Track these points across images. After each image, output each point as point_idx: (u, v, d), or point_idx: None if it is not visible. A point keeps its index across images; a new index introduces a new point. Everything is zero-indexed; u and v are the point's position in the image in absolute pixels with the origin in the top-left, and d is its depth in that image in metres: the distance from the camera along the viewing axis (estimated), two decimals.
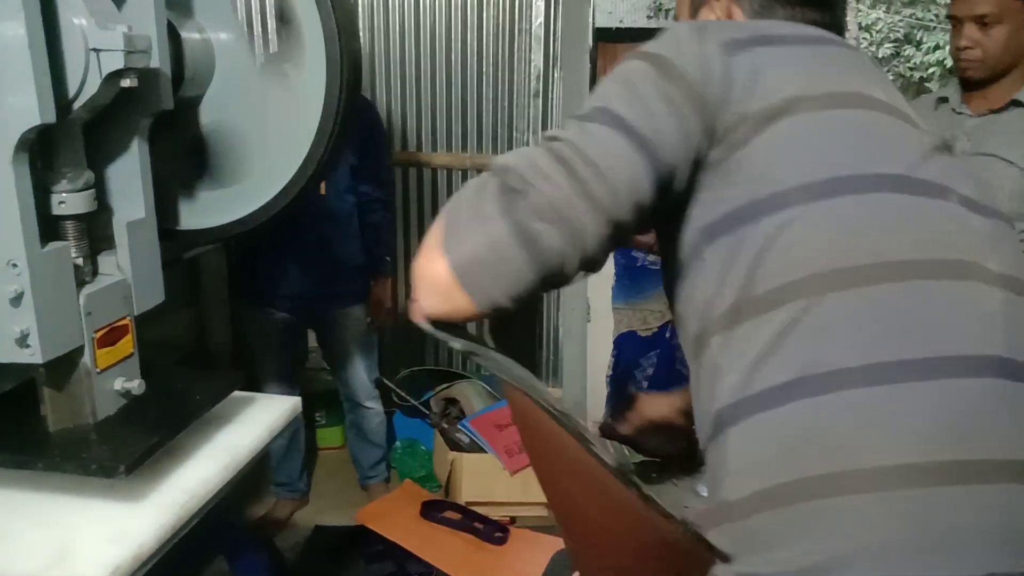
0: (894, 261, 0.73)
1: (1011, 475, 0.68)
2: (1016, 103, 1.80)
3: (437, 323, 0.78)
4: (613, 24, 3.12)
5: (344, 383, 2.89)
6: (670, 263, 0.86)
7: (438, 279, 0.75)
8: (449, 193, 3.42)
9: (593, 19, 3.01)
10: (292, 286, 2.60)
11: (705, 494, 0.94)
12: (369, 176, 2.67)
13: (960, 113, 1.89)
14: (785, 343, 0.73)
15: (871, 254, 0.73)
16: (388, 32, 3.23)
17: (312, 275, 2.59)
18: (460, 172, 3.39)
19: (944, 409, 0.69)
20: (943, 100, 1.96)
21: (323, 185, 2.49)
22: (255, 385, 2.70)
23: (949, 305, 0.73)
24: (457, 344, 0.79)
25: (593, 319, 3.13)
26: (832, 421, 0.70)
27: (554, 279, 0.76)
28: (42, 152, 1.13)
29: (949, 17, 1.90)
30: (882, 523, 0.68)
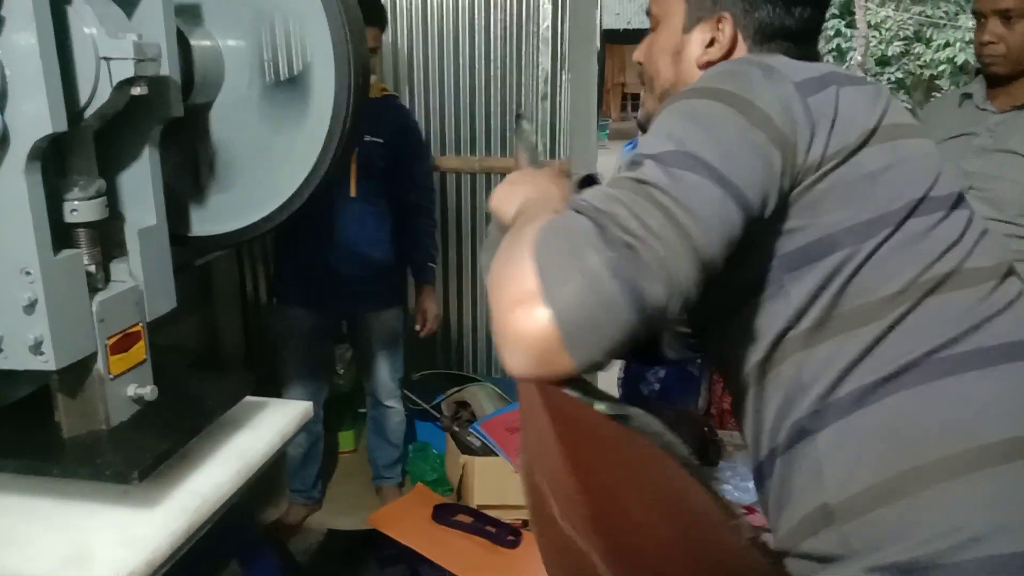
0: (970, 268, 0.83)
1: None
2: None
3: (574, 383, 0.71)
4: (620, 25, 3.13)
5: (368, 380, 2.91)
6: (725, 296, 0.85)
7: (538, 335, 0.67)
8: (458, 197, 3.42)
9: (600, 21, 3.01)
10: (321, 288, 2.60)
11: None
12: (404, 181, 2.67)
13: (983, 109, 1.88)
14: (877, 349, 0.79)
15: (949, 263, 0.82)
16: (395, 36, 3.24)
17: (342, 277, 2.59)
18: (469, 176, 3.39)
19: None
20: (967, 96, 1.95)
21: (352, 187, 2.50)
22: (280, 387, 2.71)
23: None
24: (603, 407, 0.72)
25: None
26: (935, 407, 0.76)
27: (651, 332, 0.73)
28: (54, 160, 1.14)
29: (974, 12, 1.89)
30: (1006, 497, 0.72)
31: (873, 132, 0.84)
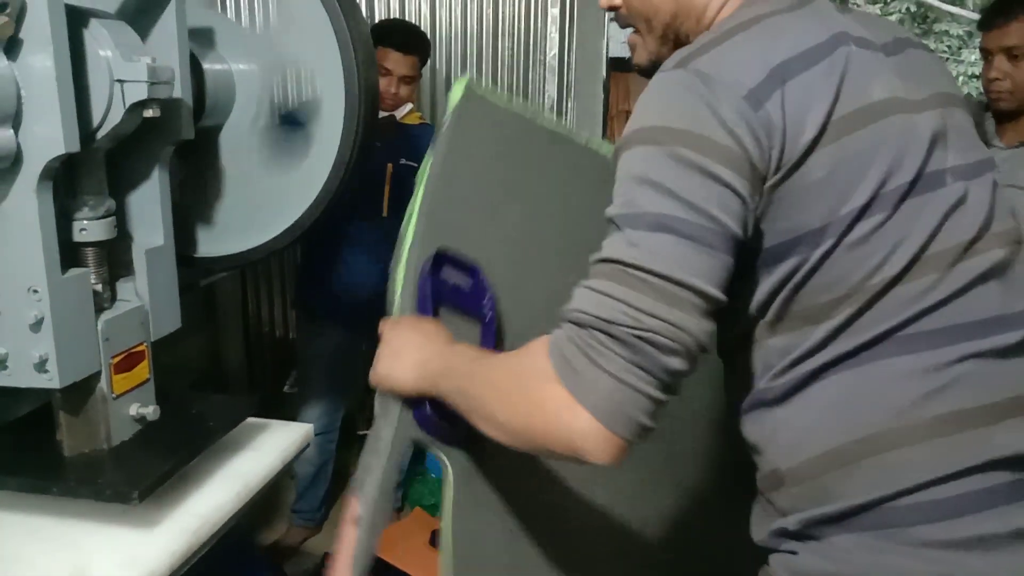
0: (929, 255, 0.82)
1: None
2: None
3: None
4: (627, 54, 3.15)
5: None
6: None
7: (585, 431, 0.74)
8: None
9: (607, 49, 3.04)
10: (343, 301, 2.61)
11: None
12: None
13: (992, 145, 1.91)
14: (831, 341, 0.83)
15: (900, 260, 0.81)
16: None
17: (365, 294, 2.60)
18: None
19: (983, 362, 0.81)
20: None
21: (385, 207, 2.52)
22: (300, 401, 2.71)
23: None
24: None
25: None
26: (874, 386, 0.82)
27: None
28: (65, 180, 1.15)
29: (981, 49, 1.93)
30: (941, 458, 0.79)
31: (821, 133, 0.79)
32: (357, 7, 1.40)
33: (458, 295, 1.08)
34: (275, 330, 3.39)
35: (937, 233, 0.82)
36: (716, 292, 0.75)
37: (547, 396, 0.75)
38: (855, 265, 0.81)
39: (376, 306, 2.65)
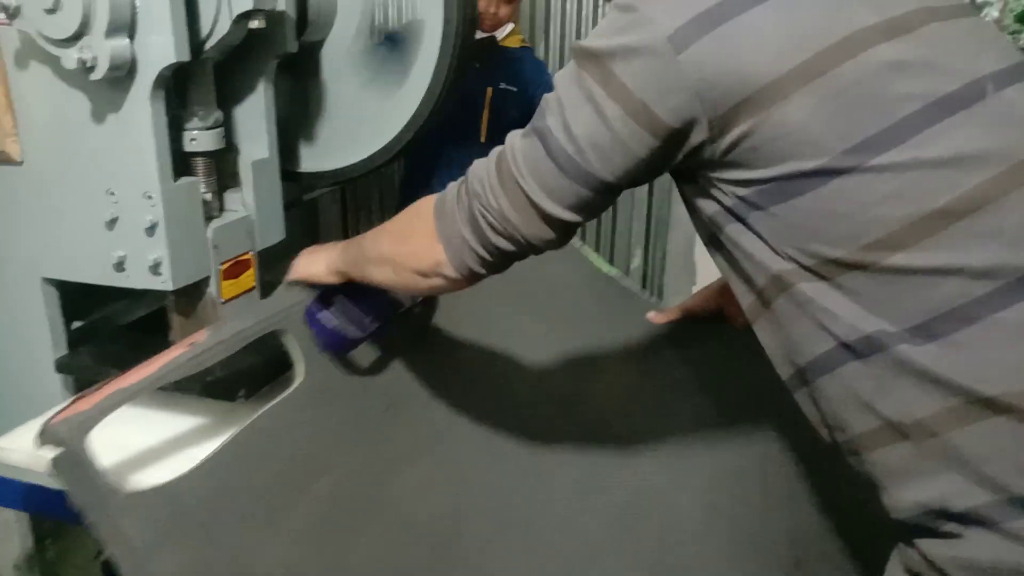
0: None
1: None
2: None
3: None
4: None
5: None
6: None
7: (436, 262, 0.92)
8: None
9: None
10: None
11: None
12: None
13: None
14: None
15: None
16: None
17: None
18: None
19: None
20: None
21: (483, 132, 2.52)
22: None
23: None
24: None
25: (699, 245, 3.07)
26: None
27: None
28: (176, 91, 1.19)
29: None
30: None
31: (786, 78, 0.72)
32: None
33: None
34: None
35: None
36: (556, 210, 0.83)
37: (422, 226, 0.92)
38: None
39: None
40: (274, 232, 1.36)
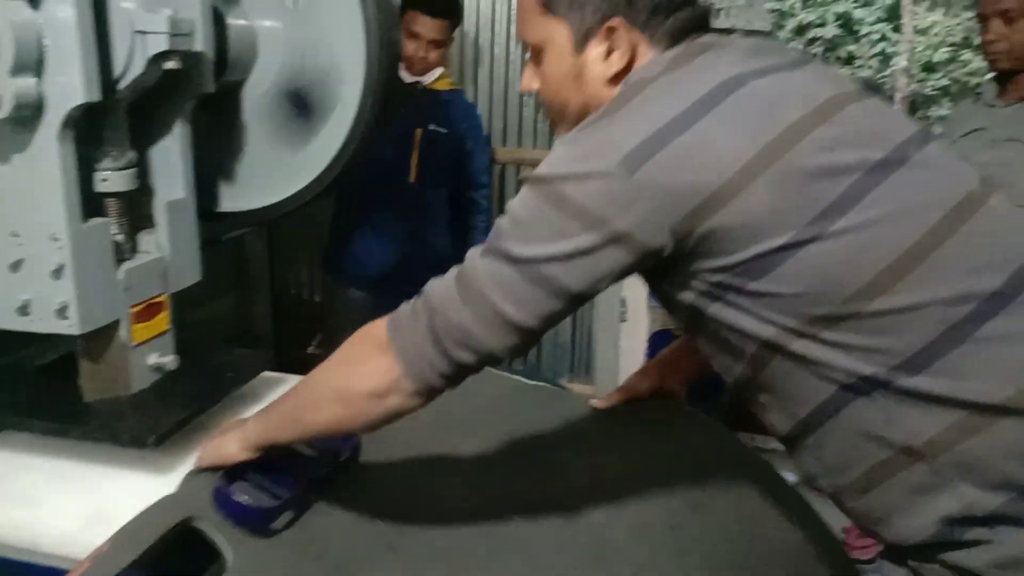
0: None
1: None
2: None
3: None
4: None
5: None
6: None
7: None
8: (516, 187, 3.37)
9: None
10: (374, 267, 2.63)
11: None
12: (463, 176, 2.69)
13: (993, 105, 1.99)
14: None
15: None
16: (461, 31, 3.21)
17: (395, 260, 2.62)
18: (529, 167, 3.35)
19: None
20: (979, 95, 2.10)
21: (412, 172, 2.53)
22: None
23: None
24: None
25: (629, 318, 3.12)
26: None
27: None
28: (88, 130, 1.17)
29: (978, 15, 2.01)
30: None
31: (737, 176, 0.79)
32: None
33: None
34: (302, 292, 3.43)
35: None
36: (524, 319, 0.85)
37: (375, 347, 0.92)
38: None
39: (402, 270, 2.69)
40: (190, 273, 1.34)
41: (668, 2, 0.91)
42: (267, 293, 3.39)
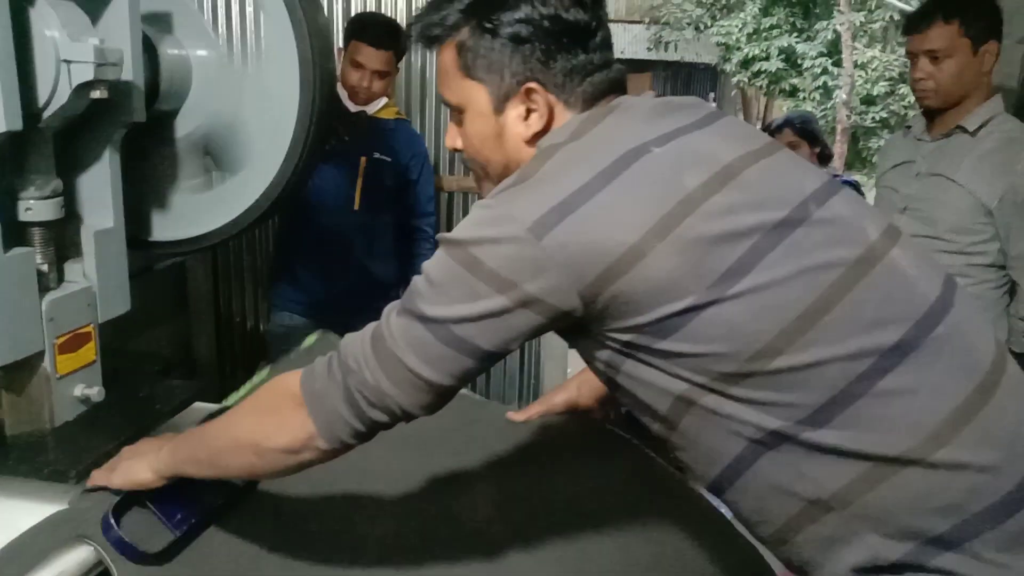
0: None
1: None
2: (961, 128, 1.93)
3: None
4: (615, 55, 3.16)
5: None
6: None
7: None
8: (462, 214, 3.40)
9: None
10: (314, 294, 2.61)
11: None
12: (408, 204, 2.70)
13: (921, 139, 2.04)
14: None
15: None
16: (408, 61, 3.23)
17: (336, 287, 2.60)
18: (474, 196, 3.37)
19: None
20: (909, 128, 2.15)
21: (356, 200, 2.52)
22: None
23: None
24: None
25: None
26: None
27: None
28: (12, 159, 1.16)
29: (907, 52, 2.05)
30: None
31: (640, 242, 0.81)
32: (317, 2, 1.42)
33: None
34: (246, 320, 3.38)
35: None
36: (438, 377, 0.87)
37: (289, 402, 0.92)
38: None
39: (346, 297, 2.68)
40: (119, 303, 1.32)
41: (582, 67, 0.94)
42: (211, 320, 3.34)
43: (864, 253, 0.86)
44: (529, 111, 0.94)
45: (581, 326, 0.87)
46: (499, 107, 0.95)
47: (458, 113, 0.99)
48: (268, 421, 0.94)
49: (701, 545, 1.14)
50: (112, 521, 0.99)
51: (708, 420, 0.87)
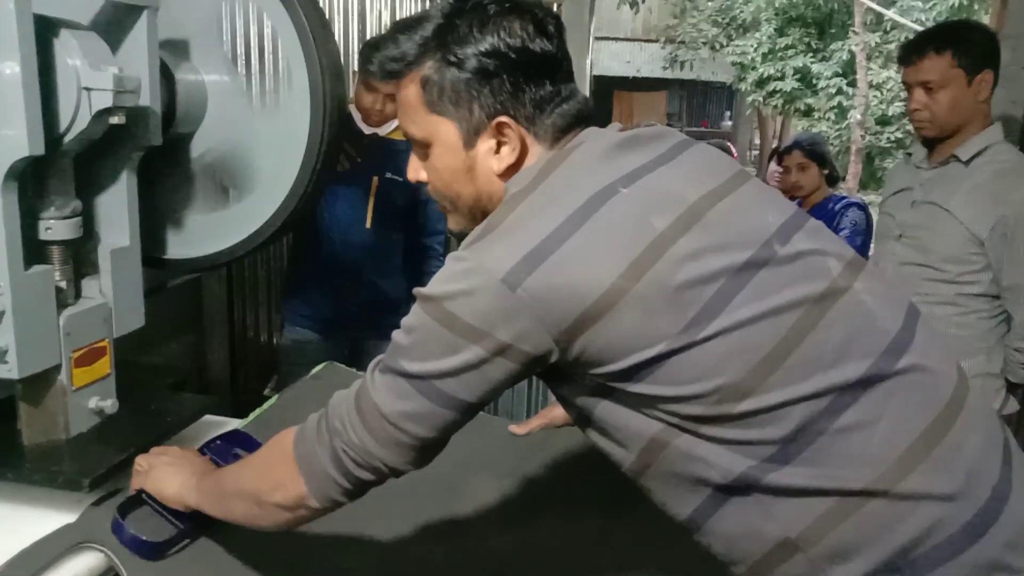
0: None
1: None
2: (955, 158, 1.95)
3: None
4: (631, 73, 3.21)
5: None
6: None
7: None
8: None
9: (591, 69, 3.11)
10: (325, 310, 2.66)
11: None
12: (419, 223, 2.74)
13: (919, 167, 2.05)
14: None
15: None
16: None
17: (347, 303, 2.65)
18: None
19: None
20: (910, 155, 2.15)
21: (368, 218, 2.58)
22: None
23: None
24: None
25: None
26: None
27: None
28: (34, 180, 1.21)
29: (903, 83, 2.07)
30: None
31: (611, 289, 0.82)
32: (329, 32, 1.47)
33: None
34: (260, 334, 3.44)
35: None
36: (422, 432, 0.89)
37: (284, 462, 0.96)
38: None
39: (357, 314, 2.72)
40: (133, 319, 1.37)
41: (551, 98, 0.93)
42: (225, 335, 3.40)
43: (827, 289, 0.87)
44: (500, 144, 0.94)
45: (558, 369, 0.89)
46: (469, 141, 0.94)
47: (422, 148, 0.99)
48: (267, 477, 0.98)
49: (704, 556, 1.17)
50: (122, 522, 1.05)
51: (679, 463, 0.88)
